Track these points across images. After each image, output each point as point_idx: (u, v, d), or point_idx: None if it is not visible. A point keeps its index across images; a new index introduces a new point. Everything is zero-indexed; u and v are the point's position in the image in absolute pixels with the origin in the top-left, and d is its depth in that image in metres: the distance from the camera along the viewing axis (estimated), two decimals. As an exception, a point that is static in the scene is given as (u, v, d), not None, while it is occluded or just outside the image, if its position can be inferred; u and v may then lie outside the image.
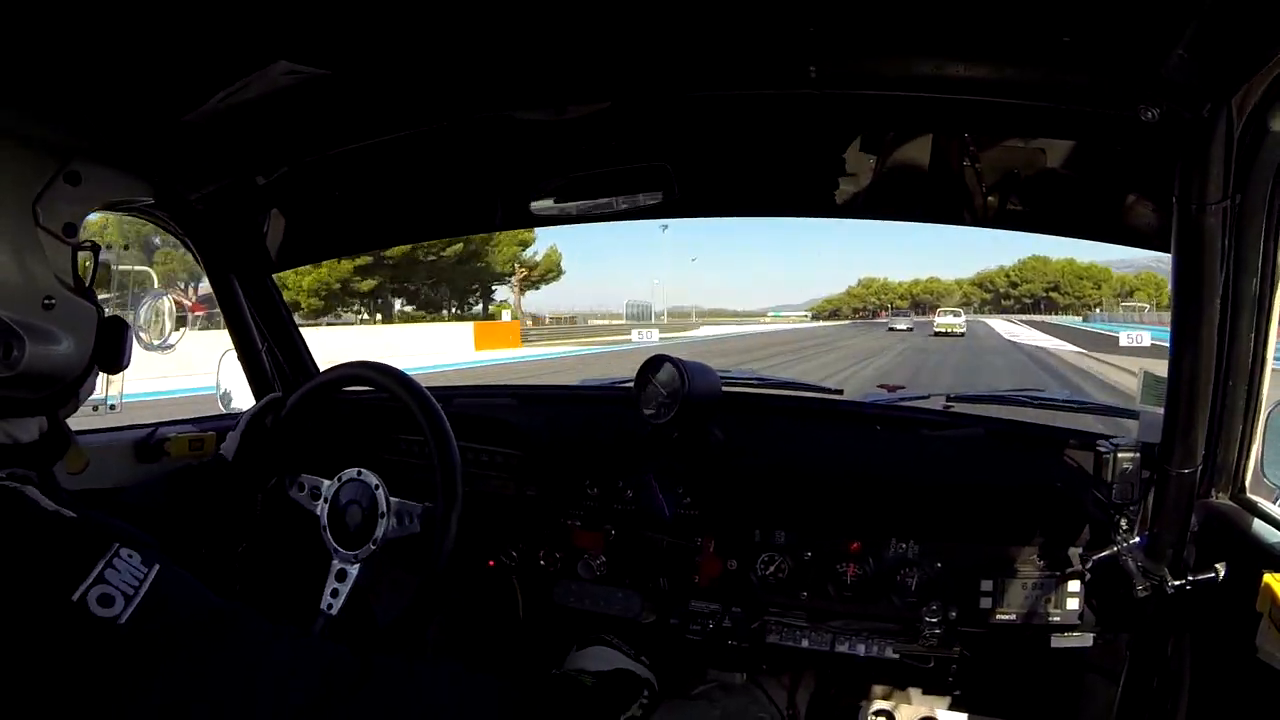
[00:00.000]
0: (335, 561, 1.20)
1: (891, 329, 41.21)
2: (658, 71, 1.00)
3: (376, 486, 1.22)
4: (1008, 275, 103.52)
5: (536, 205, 1.44)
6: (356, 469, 1.24)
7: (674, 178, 1.33)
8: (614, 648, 1.16)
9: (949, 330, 35.54)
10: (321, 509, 1.24)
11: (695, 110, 1.15)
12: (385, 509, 1.20)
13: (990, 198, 1.26)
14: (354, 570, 1.18)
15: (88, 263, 0.81)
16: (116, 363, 0.83)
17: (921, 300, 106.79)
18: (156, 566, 0.64)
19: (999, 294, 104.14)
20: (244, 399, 1.72)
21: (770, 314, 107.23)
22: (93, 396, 0.88)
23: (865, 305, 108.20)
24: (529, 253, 36.63)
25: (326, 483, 1.26)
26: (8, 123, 0.72)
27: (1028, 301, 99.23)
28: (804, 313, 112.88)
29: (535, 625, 1.51)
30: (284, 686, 0.67)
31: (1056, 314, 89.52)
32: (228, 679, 0.64)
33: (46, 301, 0.73)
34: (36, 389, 0.74)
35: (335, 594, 1.18)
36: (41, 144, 0.74)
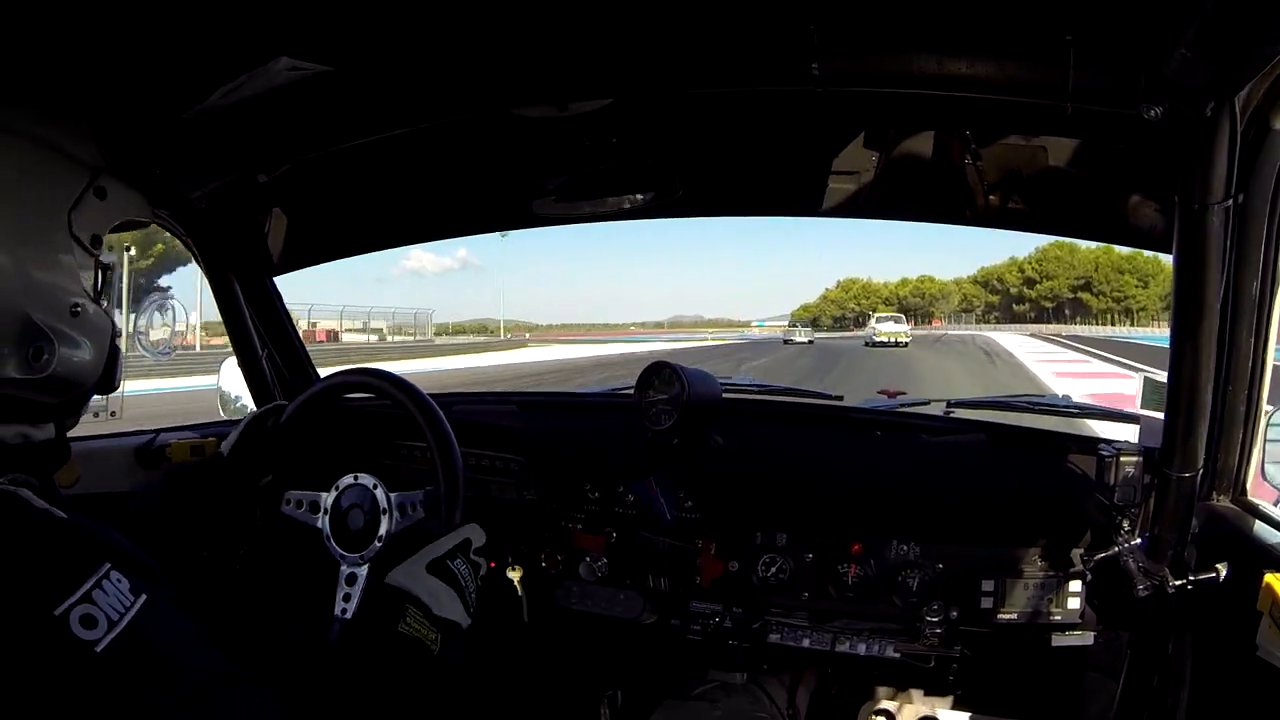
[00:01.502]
0: (344, 566, 1.19)
1: (788, 341, 36.11)
2: (660, 68, 1.00)
3: (375, 486, 1.21)
4: (1021, 270, 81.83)
5: (538, 204, 1.44)
6: (353, 475, 1.24)
7: (676, 176, 1.33)
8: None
9: (893, 340, 31.77)
10: (323, 521, 1.23)
11: (697, 108, 1.15)
12: (387, 505, 1.19)
13: (992, 196, 1.26)
14: (363, 571, 1.17)
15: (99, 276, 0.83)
16: (109, 384, 0.84)
17: (911, 304, 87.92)
18: (144, 597, 0.62)
19: (1009, 295, 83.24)
20: (246, 403, 1.71)
21: (755, 324, 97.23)
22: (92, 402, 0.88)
23: (845, 312, 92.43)
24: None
25: (325, 495, 1.25)
26: (50, 135, 0.74)
27: (1048, 305, 77.83)
28: (788, 322, 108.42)
29: (537, 627, 1.50)
30: None
31: (1087, 323, 67.95)
32: None
33: (75, 309, 0.75)
34: (58, 394, 0.75)
35: (347, 598, 1.17)
36: (77, 158, 0.77)
